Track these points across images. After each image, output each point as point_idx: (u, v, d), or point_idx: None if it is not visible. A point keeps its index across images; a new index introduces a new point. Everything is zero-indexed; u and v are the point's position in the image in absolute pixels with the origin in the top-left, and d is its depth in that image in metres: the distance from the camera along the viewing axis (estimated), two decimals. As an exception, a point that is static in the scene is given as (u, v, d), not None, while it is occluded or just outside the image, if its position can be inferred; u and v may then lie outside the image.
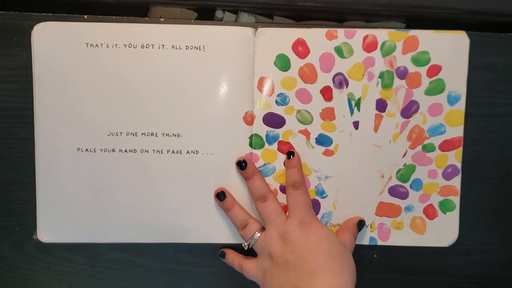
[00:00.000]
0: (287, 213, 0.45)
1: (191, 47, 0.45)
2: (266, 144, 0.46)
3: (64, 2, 0.46)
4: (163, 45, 0.45)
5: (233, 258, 0.47)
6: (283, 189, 0.47)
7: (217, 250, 0.48)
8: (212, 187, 0.46)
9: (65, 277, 0.48)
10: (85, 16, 0.45)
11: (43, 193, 0.46)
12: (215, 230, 0.47)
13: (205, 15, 0.49)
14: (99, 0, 0.47)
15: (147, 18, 0.47)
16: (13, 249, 0.48)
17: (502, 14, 0.46)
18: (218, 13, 0.48)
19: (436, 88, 0.46)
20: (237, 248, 0.47)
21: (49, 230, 0.47)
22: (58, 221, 0.47)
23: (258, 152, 0.46)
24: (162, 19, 0.45)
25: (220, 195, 0.45)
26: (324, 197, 0.47)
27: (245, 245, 0.46)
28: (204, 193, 0.46)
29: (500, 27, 0.47)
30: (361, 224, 0.46)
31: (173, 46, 0.45)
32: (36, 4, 0.46)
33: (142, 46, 0.45)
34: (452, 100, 0.46)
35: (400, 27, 0.49)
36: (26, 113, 0.46)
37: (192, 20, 0.47)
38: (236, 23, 0.48)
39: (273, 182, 0.47)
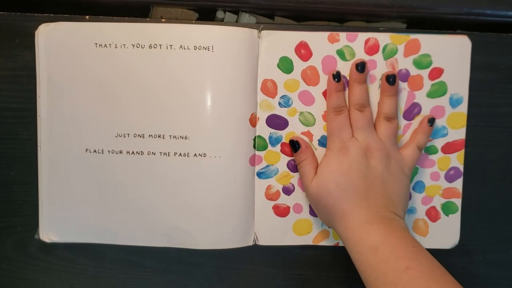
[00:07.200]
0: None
1: (200, 47, 0.44)
2: (269, 145, 0.46)
3: (65, 3, 0.46)
4: (171, 45, 0.44)
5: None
6: (285, 190, 0.47)
7: (218, 251, 0.47)
8: (219, 191, 0.46)
9: (67, 278, 0.48)
10: (87, 17, 0.45)
11: (48, 192, 0.46)
12: (222, 235, 0.46)
13: (206, 16, 0.49)
14: (101, 1, 0.47)
15: (148, 19, 0.46)
16: (15, 249, 0.48)
17: (502, 14, 0.46)
18: (219, 14, 0.48)
19: (438, 91, 0.46)
20: (240, 251, 0.47)
21: (53, 230, 0.47)
22: (63, 221, 0.46)
23: (261, 153, 0.46)
24: (163, 20, 0.45)
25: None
26: None
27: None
28: (211, 197, 0.46)
29: (501, 27, 0.47)
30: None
31: (181, 46, 0.44)
32: (37, 5, 0.46)
33: (150, 46, 0.44)
34: (454, 102, 0.46)
35: (400, 27, 0.49)
36: (28, 113, 0.46)
37: (194, 21, 0.47)
38: (240, 23, 0.48)
39: (276, 184, 0.47)
